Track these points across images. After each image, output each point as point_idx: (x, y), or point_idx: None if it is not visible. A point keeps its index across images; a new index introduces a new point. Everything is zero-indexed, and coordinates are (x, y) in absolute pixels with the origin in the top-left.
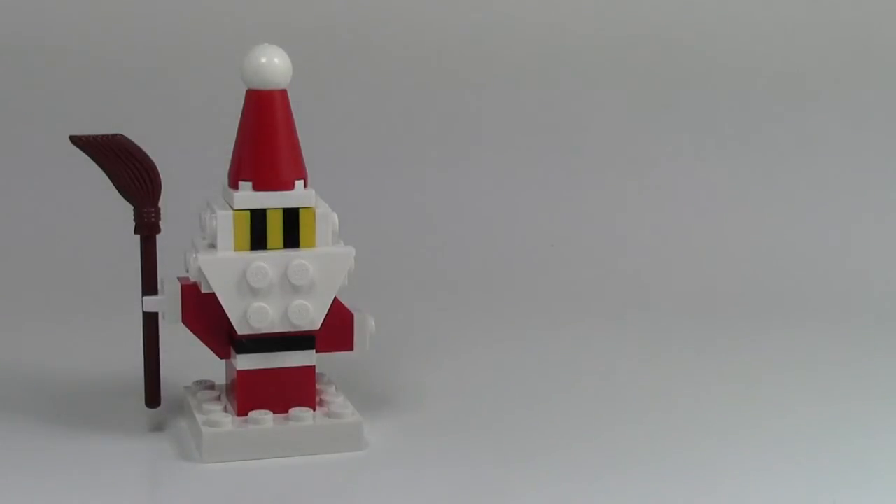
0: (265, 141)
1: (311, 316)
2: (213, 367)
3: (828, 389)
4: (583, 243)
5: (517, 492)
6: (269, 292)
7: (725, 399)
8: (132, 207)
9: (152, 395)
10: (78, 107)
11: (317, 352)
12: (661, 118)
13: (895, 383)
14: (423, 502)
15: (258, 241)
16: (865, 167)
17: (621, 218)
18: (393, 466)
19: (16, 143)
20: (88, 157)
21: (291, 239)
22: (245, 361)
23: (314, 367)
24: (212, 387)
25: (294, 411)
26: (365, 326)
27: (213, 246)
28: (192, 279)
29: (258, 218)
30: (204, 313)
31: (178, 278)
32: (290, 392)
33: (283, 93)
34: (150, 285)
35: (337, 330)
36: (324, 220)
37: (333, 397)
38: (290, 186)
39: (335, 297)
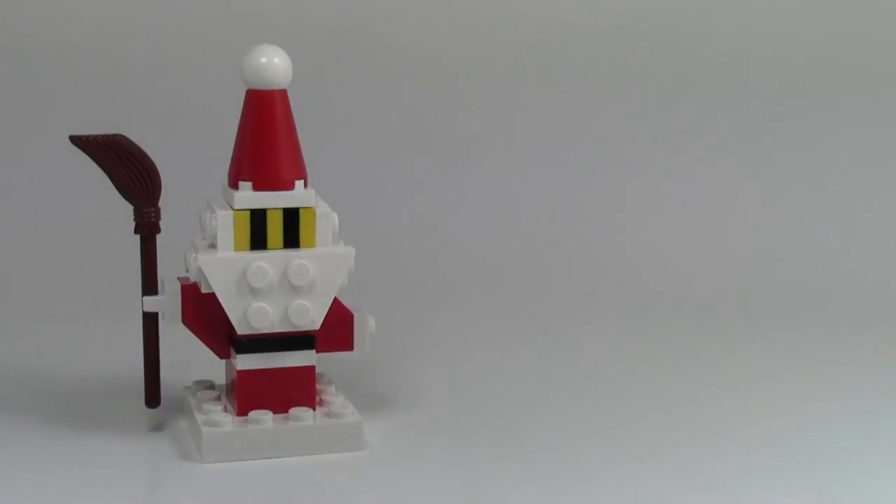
0: (265, 141)
1: (311, 316)
2: (213, 367)
3: (828, 389)
4: (583, 243)
5: (517, 491)
6: (269, 292)
7: (725, 399)
8: (132, 207)
9: (152, 395)
10: (78, 107)
11: (317, 352)
12: (661, 118)
13: (895, 383)
14: (423, 502)
15: (258, 241)
16: (866, 167)
17: (621, 218)
18: (393, 466)
19: (16, 143)
20: (88, 157)
21: (291, 239)
22: (245, 361)
23: (314, 367)
24: (212, 387)
25: (294, 411)
26: (365, 326)
27: (213, 246)
28: (192, 279)
29: (258, 218)
30: (204, 313)
31: (178, 278)
32: (290, 392)
33: (283, 93)
34: (150, 285)
35: (337, 330)
36: (324, 220)
37: (333, 397)
38: (290, 186)
39: (335, 297)
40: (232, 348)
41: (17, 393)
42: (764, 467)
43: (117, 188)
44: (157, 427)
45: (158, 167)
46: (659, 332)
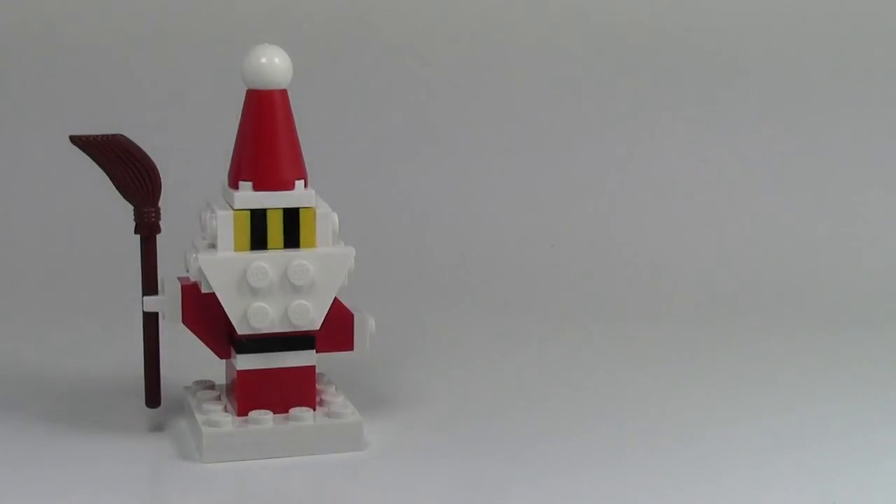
0: (265, 141)
1: (311, 316)
2: (213, 367)
3: (828, 389)
4: (583, 243)
5: (517, 491)
6: (269, 292)
7: (725, 398)
8: (132, 207)
9: (152, 395)
10: (78, 107)
11: (317, 352)
12: (662, 118)
13: (894, 383)
14: (423, 502)
15: (258, 241)
16: (866, 167)
17: (621, 218)
18: (393, 466)
19: (16, 143)
20: (88, 157)
21: (291, 239)
22: (245, 361)
23: (314, 367)
24: (212, 387)
25: (294, 411)
26: (365, 326)
27: (213, 246)
28: (193, 279)
29: (258, 218)
30: (204, 313)
31: (179, 278)
32: (291, 392)
33: (283, 93)
34: (150, 285)
35: (337, 330)
36: (324, 220)
37: (333, 397)
38: (291, 186)
39: (335, 297)
40: (232, 348)
41: (17, 393)
42: (764, 467)
43: (117, 188)
44: (157, 427)
45: (158, 167)
46: (659, 331)
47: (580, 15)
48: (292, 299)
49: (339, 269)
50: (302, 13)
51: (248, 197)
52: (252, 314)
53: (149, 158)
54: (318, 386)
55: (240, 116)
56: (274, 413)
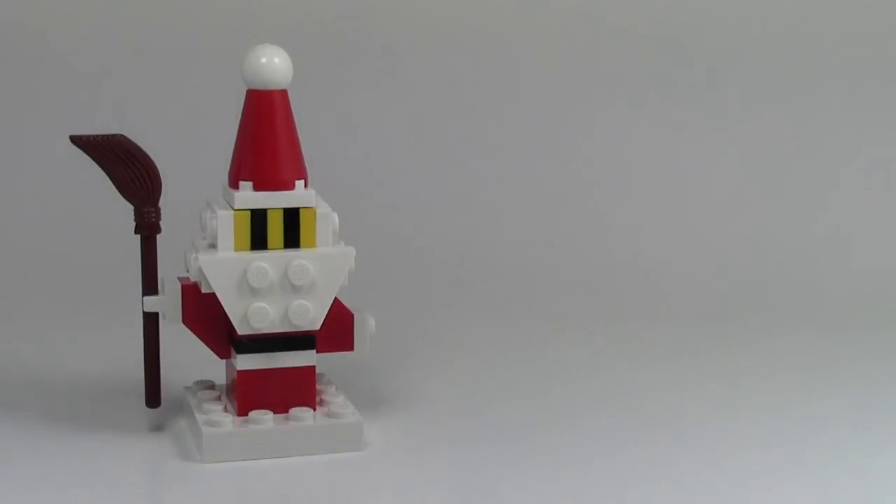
0: (265, 141)
1: (311, 316)
2: (213, 367)
3: (828, 389)
4: (583, 243)
5: (517, 491)
6: (269, 292)
7: (725, 398)
8: (132, 207)
9: (152, 395)
10: (78, 107)
11: (317, 352)
12: (662, 118)
13: (894, 383)
14: (423, 502)
15: (258, 241)
16: (867, 168)
17: (621, 217)
18: (393, 466)
19: (16, 143)
20: (88, 157)
21: (292, 239)
22: (245, 361)
23: (314, 367)
24: (212, 387)
25: (294, 411)
26: (365, 326)
27: (213, 246)
28: (193, 279)
29: (258, 218)
30: (204, 313)
31: (179, 278)
32: (291, 392)
33: (284, 93)
34: (150, 285)
35: (337, 330)
36: (324, 220)
37: (333, 397)
38: (291, 186)
39: (335, 297)
40: (232, 348)
41: (17, 393)
42: (764, 467)
43: (117, 188)
44: (157, 427)
45: (158, 167)
46: (659, 331)
47: (580, 15)
48: (292, 299)
49: (340, 269)
50: (302, 13)
51: (249, 197)
52: (252, 314)
53: (149, 158)
54: (318, 386)
55: (240, 116)
56: (274, 413)
